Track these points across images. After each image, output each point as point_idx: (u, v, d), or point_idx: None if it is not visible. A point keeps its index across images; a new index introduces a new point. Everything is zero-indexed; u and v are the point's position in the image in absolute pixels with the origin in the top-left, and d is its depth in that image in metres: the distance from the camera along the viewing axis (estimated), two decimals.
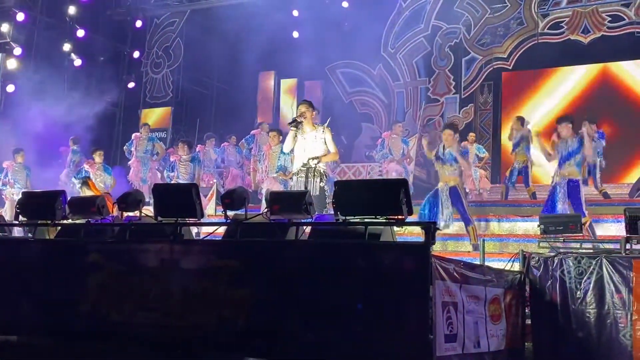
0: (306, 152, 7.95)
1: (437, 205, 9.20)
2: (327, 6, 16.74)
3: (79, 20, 16.76)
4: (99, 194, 9.19)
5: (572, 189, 8.76)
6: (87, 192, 9.88)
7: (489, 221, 10.49)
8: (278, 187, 10.66)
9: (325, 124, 8.13)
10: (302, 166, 7.96)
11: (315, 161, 7.76)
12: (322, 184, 7.81)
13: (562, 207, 8.69)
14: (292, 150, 8.27)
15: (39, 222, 6.19)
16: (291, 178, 11.32)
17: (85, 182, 10.27)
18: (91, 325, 5.41)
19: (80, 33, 16.62)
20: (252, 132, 14.56)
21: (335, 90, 18.20)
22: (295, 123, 8.02)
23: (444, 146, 9.37)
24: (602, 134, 12.14)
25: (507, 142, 14.31)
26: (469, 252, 8.97)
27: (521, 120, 12.68)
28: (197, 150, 13.77)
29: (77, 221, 6.17)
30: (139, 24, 18.61)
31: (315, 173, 7.86)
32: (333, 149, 8.00)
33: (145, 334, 5.18)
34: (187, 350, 5.02)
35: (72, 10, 16.58)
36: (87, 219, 6.05)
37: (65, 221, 6.13)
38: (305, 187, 7.77)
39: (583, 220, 8.48)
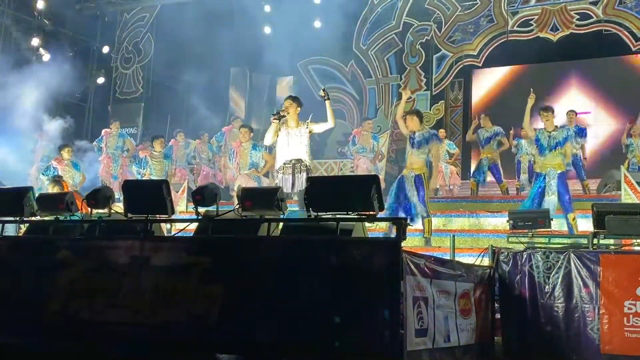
0: (290, 148, 7.94)
1: (405, 196, 8.78)
2: (299, 2, 16.71)
3: (47, 14, 16.54)
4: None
5: (562, 181, 8.68)
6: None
7: (459, 217, 10.56)
8: (251, 184, 10.62)
9: (308, 120, 8.14)
10: (287, 162, 7.93)
11: (305, 163, 7.79)
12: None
13: (549, 198, 8.56)
14: (270, 144, 8.25)
15: (7, 218, 6.11)
16: (265, 175, 11.36)
17: (58, 181, 10.00)
18: (61, 324, 5.35)
19: (49, 27, 16.40)
20: (223, 128, 14.48)
21: (307, 86, 18.19)
22: (279, 116, 8.02)
23: (413, 132, 8.98)
24: (583, 130, 12.15)
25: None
26: (440, 247, 9.00)
27: (490, 118, 12.81)
28: (170, 143, 13.70)
29: (46, 218, 6.09)
30: (108, 18, 18.42)
31: (302, 168, 7.85)
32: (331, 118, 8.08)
33: (116, 331, 5.14)
34: (159, 347, 4.99)
35: (40, 4, 16.36)
36: (56, 215, 5.98)
37: (33, 218, 6.06)
38: (293, 184, 7.77)
39: (571, 216, 8.59)
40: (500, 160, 12.64)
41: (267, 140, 8.39)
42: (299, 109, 8.13)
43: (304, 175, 7.80)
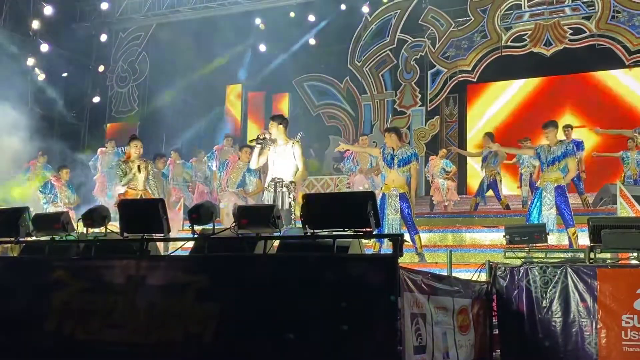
0: (275, 165, 7.95)
1: (383, 213, 8.63)
2: (294, 20, 16.79)
3: (43, 34, 16.59)
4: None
5: (561, 195, 8.61)
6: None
7: (455, 232, 10.54)
8: (237, 202, 10.62)
9: (296, 139, 8.14)
10: (271, 181, 7.95)
11: (287, 181, 7.78)
12: (289, 199, 7.80)
13: (548, 212, 8.50)
14: (255, 168, 8.26)
15: (2, 239, 6.09)
16: (252, 196, 11.34)
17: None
18: (56, 344, 5.32)
19: (44, 47, 16.45)
20: (215, 147, 14.43)
21: (303, 103, 18.25)
22: (258, 140, 8.04)
23: (392, 149, 8.92)
24: (579, 144, 12.14)
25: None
26: (436, 263, 8.97)
27: (490, 137, 12.79)
28: (168, 164, 13.68)
29: (42, 238, 6.07)
30: (103, 37, 18.48)
31: (284, 187, 7.85)
32: (302, 165, 7.98)
33: (111, 351, 5.10)
34: None
35: (36, 24, 16.40)
36: (52, 235, 5.96)
37: (29, 238, 6.03)
38: (274, 201, 7.77)
39: (571, 231, 8.56)
40: (499, 177, 12.59)
41: (253, 164, 8.44)
42: (280, 126, 8.05)
43: (287, 194, 7.80)
